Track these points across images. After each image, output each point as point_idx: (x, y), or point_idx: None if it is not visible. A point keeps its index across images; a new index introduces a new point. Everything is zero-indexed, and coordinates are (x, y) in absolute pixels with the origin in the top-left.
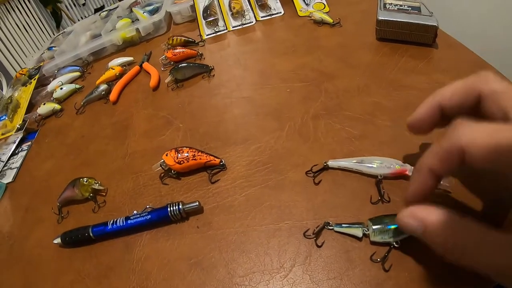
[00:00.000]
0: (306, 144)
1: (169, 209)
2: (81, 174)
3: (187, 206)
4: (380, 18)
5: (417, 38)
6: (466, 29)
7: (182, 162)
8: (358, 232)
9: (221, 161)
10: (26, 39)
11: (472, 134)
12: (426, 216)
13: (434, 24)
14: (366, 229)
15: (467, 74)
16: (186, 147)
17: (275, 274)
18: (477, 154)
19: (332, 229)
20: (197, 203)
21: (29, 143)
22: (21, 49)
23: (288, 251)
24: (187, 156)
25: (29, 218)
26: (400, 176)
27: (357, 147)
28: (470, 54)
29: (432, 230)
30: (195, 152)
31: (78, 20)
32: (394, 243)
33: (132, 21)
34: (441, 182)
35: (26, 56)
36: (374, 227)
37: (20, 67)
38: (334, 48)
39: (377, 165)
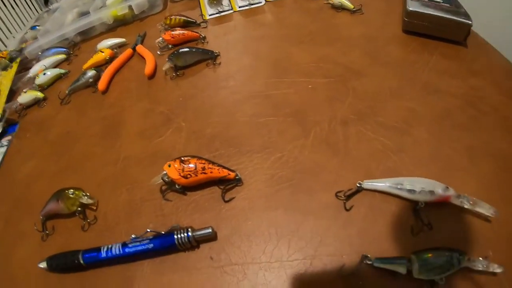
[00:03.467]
0: (337, 157)
1: (176, 236)
2: (65, 180)
3: (197, 233)
4: (410, 9)
5: (447, 34)
6: (494, 31)
7: (188, 176)
8: (401, 269)
9: (236, 175)
10: (12, 16)
11: None
12: None
13: (469, 21)
14: (410, 264)
15: (502, 81)
16: (193, 156)
17: None
18: None
19: (371, 264)
20: (210, 230)
21: (9, 137)
22: (6, 27)
23: None
24: (195, 168)
25: (10, 232)
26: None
27: (395, 164)
28: (501, 59)
29: None
30: (204, 163)
31: None
32: (439, 280)
33: None
34: (486, 212)
35: (11, 33)
36: (419, 263)
37: (6, 46)
38: (357, 40)
39: (419, 189)
